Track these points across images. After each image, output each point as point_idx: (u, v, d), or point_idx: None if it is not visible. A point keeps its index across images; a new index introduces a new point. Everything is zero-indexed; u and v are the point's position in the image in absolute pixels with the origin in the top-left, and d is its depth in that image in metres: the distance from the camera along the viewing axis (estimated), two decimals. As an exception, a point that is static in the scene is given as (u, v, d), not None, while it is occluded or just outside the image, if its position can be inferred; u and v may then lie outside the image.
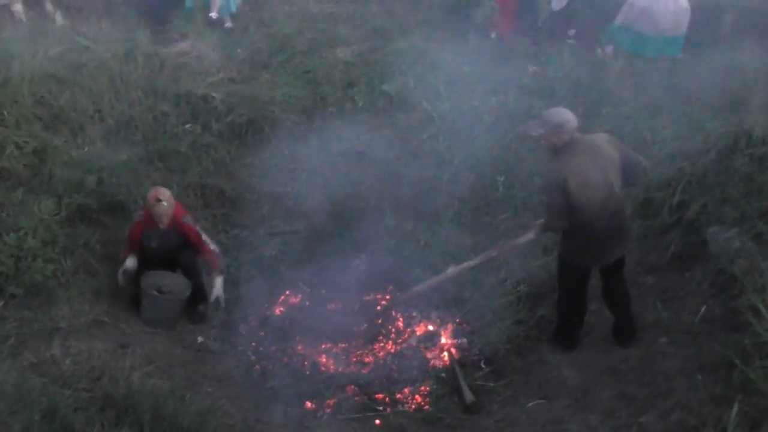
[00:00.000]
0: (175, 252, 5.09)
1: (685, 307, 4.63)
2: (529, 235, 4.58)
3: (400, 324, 5.31)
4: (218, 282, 5.12)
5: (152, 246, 5.04)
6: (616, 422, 4.01)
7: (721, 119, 5.64)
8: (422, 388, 4.70)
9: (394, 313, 5.39)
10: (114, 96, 6.51)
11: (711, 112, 5.86)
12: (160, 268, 5.08)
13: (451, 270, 4.87)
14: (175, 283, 5.07)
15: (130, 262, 5.04)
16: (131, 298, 5.11)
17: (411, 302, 5.27)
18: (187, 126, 6.53)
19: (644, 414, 3.99)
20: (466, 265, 4.84)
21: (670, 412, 3.91)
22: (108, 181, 5.74)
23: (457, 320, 5.27)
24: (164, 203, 4.92)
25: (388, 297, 5.50)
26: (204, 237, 5.13)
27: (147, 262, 5.10)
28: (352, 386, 4.74)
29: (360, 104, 6.90)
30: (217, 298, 5.11)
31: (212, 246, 5.17)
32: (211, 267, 5.16)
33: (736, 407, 3.20)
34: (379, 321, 5.31)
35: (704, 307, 4.46)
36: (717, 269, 4.69)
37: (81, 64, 6.53)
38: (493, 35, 8.14)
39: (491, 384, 4.64)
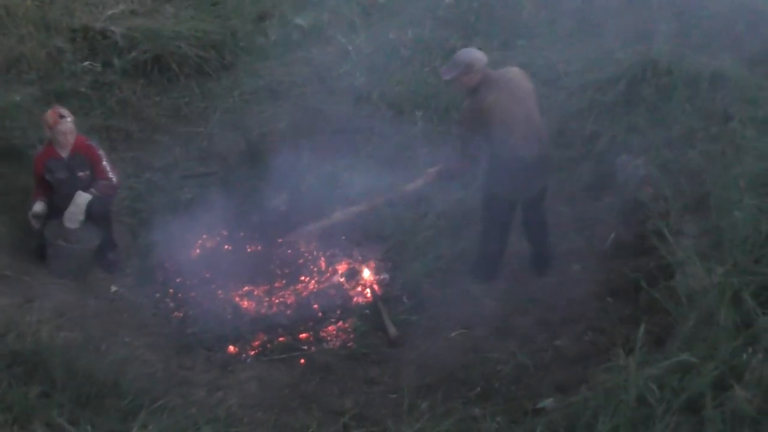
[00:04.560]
0: (86, 183, 4.80)
1: (596, 234, 4.81)
2: (419, 182, 4.72)
3: (322, 263, 5.29)
4: (80, 195, 4.73)
5: (60, 178, 4.76)
6: (533, 347, 4.19)
7: (629, 50, 5.77)
8: (346, 325, 4.73)
9: (315, 253, 5.36)
10: (1, 31, 6.01)
11: (621, 42, 5.98)
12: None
13: (338, 214, 5.01)
14: (82, 231, 4.82)
15: (39, 206, 4.76)
16: (36, 248, 4.84)
17: (301, 241, 5.29)
18: (86, 63, 6.15)
19: (559, 338, 4.18)
20: (354, 209, 4.97)
21: (583, 334, 4.12)
22: (0, 124, 5.33)
23: (379, 256, 5.29)
24: (68, 119, 4.67)
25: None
26: (105, 162, 4.86)
27: (60, 200, 4.79)
28: (276, 327, 4.71)
29: (273, 38, 6.64)
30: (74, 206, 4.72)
31: (111, 174, 4.88)
32: (97, 184, 4.82)
33: (642, 327, 3.37)
34: (300, 261, 5.28)
35: (613, 233, 4.65)
36: (625, 197, 4.89)
37: (-39, -4, 5.95)
38: None
39: (414, 317, 4.71)
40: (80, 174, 4.79)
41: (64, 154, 4.75)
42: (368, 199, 4.98)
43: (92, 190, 4.77)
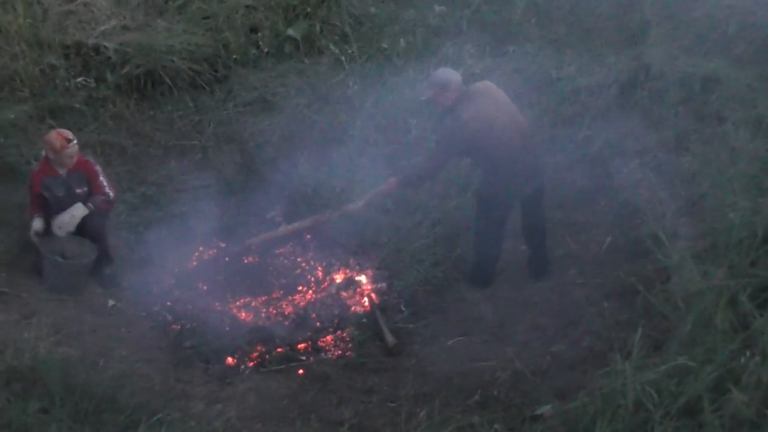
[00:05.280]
0: (84, 199, 4.78)
1: (592, 238, 4.83)
2: (360, 203, 4.86)
3: (320, 273, 5.29)
4: (78, 207, 4.73)
5: (58, 195, 4.74)
6: (530, 353, 4.19)
7: (621, 54, 5.80)
8: (344, 334, 4.72)
9: (312, 263, 5.36)
10: (-6, 49, 6.03)
11: (612, 47, 6.00)
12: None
13: (282, 228, 5.22)
14: (78, 246, 4.82)
15: (38, 224, 4.73)
16: (32, 264, 4.83)
17: (250, 252, 5.34)
18: (80, 79, 6.11)
19: (556, 343, 4.18)
20: (298, 225, 5.17)
21: (580, 340, 4.12)
22: (-6, 142, 5.35)
23: (376, 265, 5.28)
24: (74, 142, 4.67)
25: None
26: (102, 178, 4.86)
27: (52, 217, 4.77)
28: (274, 339, 4.70)
29: (265, 50, 6.65)
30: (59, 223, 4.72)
31: (107, 189, 4.88)
32: (93, 197, 4.81)
33: (639, 331, 3.37)
34: (297, 271, 5.28)
35: (609, 237, 4.66)
36: (620, 201, 4.90)
37: (-48, 15, 5.96)
38: None
39: (411, 325, 4.71)
40: (78, 191, 4.79)
41: (62, 171, 4.74)
42: (312, 218, 5.15)
43: (89, 204, 4.77)
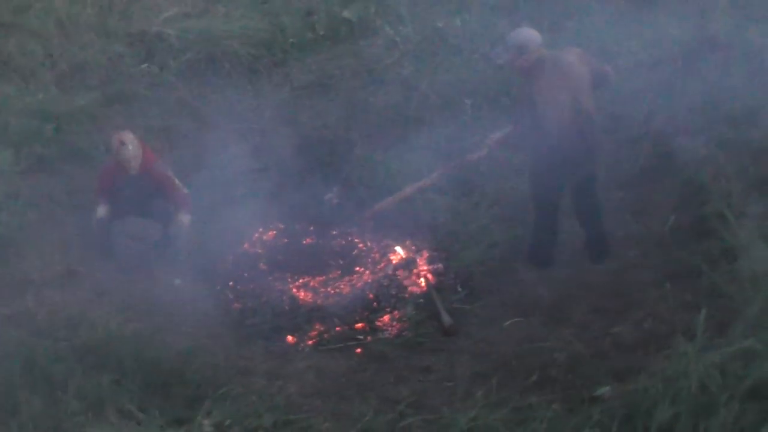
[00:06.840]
0: (148, 199, 5.01)
1: (655, 218, 4.70)
2: (483, 151, 4.68)
3: (376, 253, 5.34)
4: (184, 220, 5.03)
5: (125, 194, 4.96)
6: (590, 335, 4.13)
7: (686, 25, 5.59)
8: (401, 314, 4.77)
9: (369, 243, 5.41)
10: (65, 39, 6.30)
11: (676, 18, 5.79)
12: (132, 215, 5.02)
13: (408, 188, 5.03)
14: (146, 228, 5.03)
15: (102, 211, 4.96)
16: (104, 246, 5.06)
17: (375, 219, 5.31)
18: (144, 66, 6.34)
19: (617, 325, 4.10)
20: (422, 183, 5.00)
21: (642, 322, 4.04)
22: (66, 128, 5.62)
23: (432, 246, 5.29)
24: (129, 146, 4.82)
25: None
26: (176, 181, 5.06)
27: (119, 210, 5.02)
28: (332, 318, 4.78)
29: (321, 33, 6.69)
30: (177, 238, 5.02)
31: (184, 189, 5.10)
32: (179, 206, 5.07)
33: (704, 312, 3.28)
34: (355, 252, 5.34)
35: (673, 217, 4.53)
36: (684, 179, 4.75)
37: (26, 7, 6.27)
38: None
39: (468, 306, 4.70)
40: (147, 191, 4.99)
41: (132, 171, 4.93)
42: (435, 172, 4.99)
43: (181, 213, 5.00)
